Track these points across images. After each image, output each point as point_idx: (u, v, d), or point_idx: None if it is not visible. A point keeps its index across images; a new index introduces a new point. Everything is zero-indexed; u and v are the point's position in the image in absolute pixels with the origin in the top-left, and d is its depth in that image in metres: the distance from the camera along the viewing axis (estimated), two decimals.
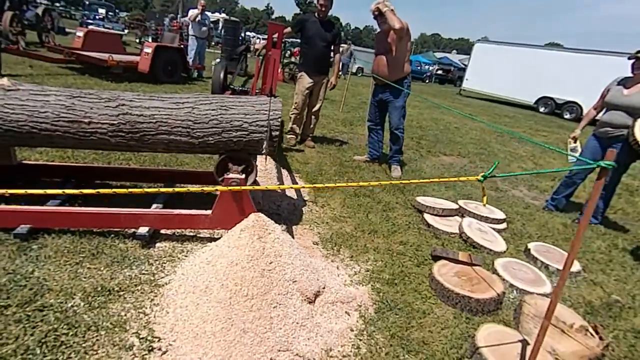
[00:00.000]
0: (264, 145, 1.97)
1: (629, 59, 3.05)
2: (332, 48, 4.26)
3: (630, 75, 3.08)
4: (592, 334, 1.80)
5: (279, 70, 11.35)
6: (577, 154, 3.40)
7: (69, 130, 1.89)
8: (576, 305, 2.16)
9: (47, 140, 1.98)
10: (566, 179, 3.52)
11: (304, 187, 2.63)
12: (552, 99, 15.00)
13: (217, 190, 1.85)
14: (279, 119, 2.02)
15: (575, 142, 3.37)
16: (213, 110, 1.96)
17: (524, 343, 1.68)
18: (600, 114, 3.34)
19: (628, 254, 2.94)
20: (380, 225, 2.74)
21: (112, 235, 2.05)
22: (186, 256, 2.02)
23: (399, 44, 3.64)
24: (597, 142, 3.28)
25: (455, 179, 1.75)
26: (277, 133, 2.01)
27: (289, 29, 4.21)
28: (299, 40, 5.05)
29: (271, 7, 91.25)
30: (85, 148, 2.17)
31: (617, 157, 3.10)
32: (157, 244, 2.09)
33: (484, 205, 2.34)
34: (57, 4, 30.55)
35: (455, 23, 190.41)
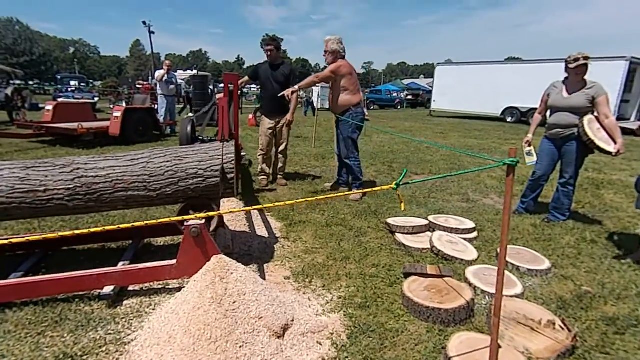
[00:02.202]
0: (220, 189, 2.03)
1: (570, 64, 3.19)
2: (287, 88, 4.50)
3: (564, 78, 3.32)
4: (560, 327, 1.84)
5: (251, 116, 11.66)
6: (533, 157, 3.58)
7: (25, 200, 1.92)
8: (548, 301, 2.20)
9: (4, 214, 2.00)
10: (531, 183, 3.65)
11: (255, 207, 2.68)
12: (516, 108, 15.98)
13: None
14: (233, 162, 2.11)
15: (529, 146, 3.55)
16: (167, 162, 2.04)
17: (496, 346, 1.69)
18: (548, 116, 3.51)
19: (596, 245, 3.03)
20: (352, 252, 2.77)
21: (77, 300, 2.03)
22: (154, 309, 1.99)
23: (334, 83, 3.95)
24: (551, 144, 3.46)
25: (373, 189, 1.83)
26: (232, 175, 2.09)
27: (246, 78, 4.45)
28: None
29: (242, 58, 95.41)
30: (44, 216, 2.18)
31: (572, 155, 3.33)
32: (125, 302, 2.06)
33: (402, 210, 2.42)
34: (31, 82, 31.32)
35: (419, 51, 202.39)
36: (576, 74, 3.21)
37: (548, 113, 3.51)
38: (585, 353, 1.76)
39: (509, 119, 16.34)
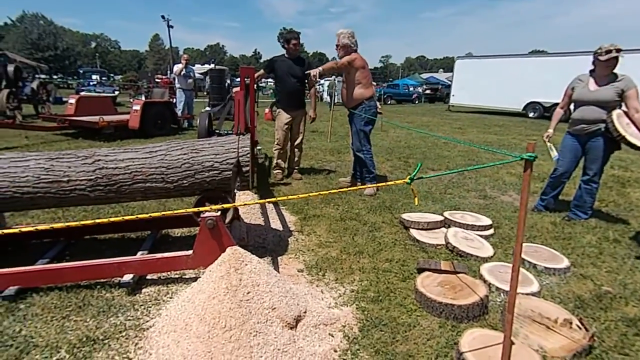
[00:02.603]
0: (236, 182, 2.06)
1: (599, 56, 3.05)
2: (305, 83, 4.49)
3: (591, 70, 3.19)
4: (577, 327, 1.80)
5: (267, 110, 11.71)
6: (554, 152, 3.47)
7: (50, 190, 2.00)
8: (565, 300, 2.15)
9: (30, 203, 2.09)
10: (552, 180, 3.54)
11: (268, 200, 2.70)
12: (539, 103, 15.47)
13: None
14: (248, 155, 2.14)
15: (549, 141, 3.45)
16: (185, 154, 2.08)
17: (509, 343, 1.67)
18: (573, 111, 3.37)
19: (619, 245, 2.92)
20: (366, 246, 2.77)
21: (99, 286, 2.11)
22: (171, 298, 2.05)
23: (347, 75, 3.92)
24: (574, 140, 3.33)
25: (387, 183, 1.81)
26: (248, 168, 2.12)
27: (261, 71, 4.47)
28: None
29: (259, 52, 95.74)
30: (67, 205, 2.27)
31: (598, 151, 3.20)
32: (144, 289, 2.13)
33: (416, 205, 2.39)
34: (55, 76, 32.39)
35: (439, 44, 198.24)
36: (606, 67, 3.07)
37: (572, 107, 3.38)
38: (603, 353, 1.72)
39: (531, 114, 15.81)
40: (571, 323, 1.80)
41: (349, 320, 1.91)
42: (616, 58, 3.01)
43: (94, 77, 19.41)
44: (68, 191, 2.01)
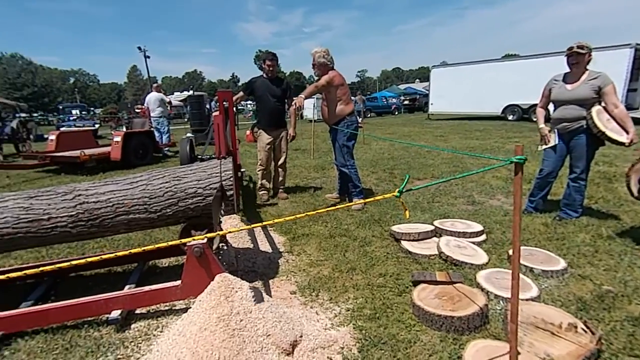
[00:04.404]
0: (220, 207, 2.02)
1: (568, 55, 3.17)
2: (285, 102, 4.52)
3: (568, 70, 3.24)
4: (583, 330, 1.75)
5: (248, 132, 11.76)
6: (557, 141, 3.35)
7: (30, 229, 1.93)
8: (567, 303, 2.11)
9: (11, 244, 2.01)
10: (539, 180, 3.55)
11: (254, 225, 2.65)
12: (517, 105, 15.81)
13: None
14: (231, 178, 2.11)
15: (549, 131, 3.39)
16: (166, 182, 2.04)
17: (516, 353, 1.63)
18: (552, 111, 3.41)
19: (614, 241, 2.90)
20: (358, 262, 2.72)
21: (86, 325, 2.02)
22: (161, 332, 1.96)
23: (327, 93, 3.96)
24: (558, 139, 3.35)
25: (375, 198, 1.79)
26: (232, 192, 2.08)
27: (240, 94, 4.48)
28: None
29: (236, 76, 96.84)
30: (49, 244, 2.18)
31: (582, 148, 3.22)
32: (133, 325, 2.04)
33: (406, 218, 2.38)
34: (35, 114, 32.03)
35: (413, 55, 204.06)
36: (571, 64, 3.17)
37: (552, 107, 3.42)
38: (612, 356, 1.67)
39: (510, 117, 16.17)
40: (576, 327, 1.75)
41: (347, 341, 1.84)
42: (578, 54, 3.09)
43: (74, 112, 19.31)
44: (49, 229, 1.93)
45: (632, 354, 1.69)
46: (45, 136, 14.02)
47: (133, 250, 1.65)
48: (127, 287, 2.24)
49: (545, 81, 3.47)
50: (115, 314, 1.98)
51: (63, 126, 15.80)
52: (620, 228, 3.19)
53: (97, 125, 17.21)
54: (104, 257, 1.64)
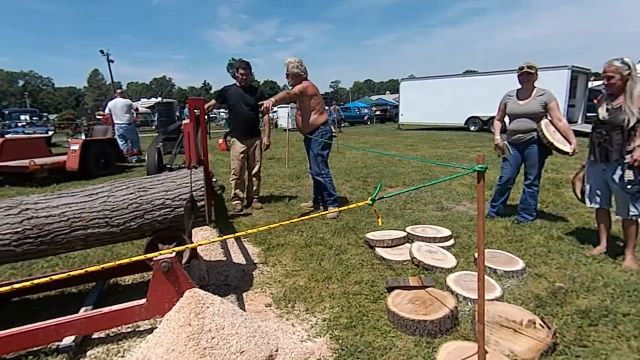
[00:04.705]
0: (190, 219, 1.93)
1: (520, 74, 3.48)
2: (259, 111, 4.47)
3: (518, 87, 3.56)
4: (540, 326, 1.86)
5: (221, 140, 11.51)
6: (511, 152, 3.61)
7: None
8: (526, 301, 2.24)
9: None
10: (499, 187, 3.79)
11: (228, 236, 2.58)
12: (478, 117, 16.89)
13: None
14: (202, 189, 2.03)
15: (502, 142, 3.63)
16: (131, 194, 1.92)
17: (483, 353, 1.68)
18: (508, 124, 3.69)
19: (563, 242, 3.15)
20: (334, 271, 2.71)
21: (31, 357, 1.82)
22: (123, 357, 1.82)
23: (302, 103, 3.97)
24: (513, 149, 3.61)
25: (349, 206, 1.81)
26: (203, 203, 2.00)
27: (213, 102, 4.39)
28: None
29: (208, 84, 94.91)
30: None
31: (534, 157, 3.49)
32: (89, 352, 1.87)
33: (380, 225, 2.44)
34: None
35: (384, 68, 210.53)
36: (522, 82, 3.50)
37: (507, 120, 3.70)
38: (566, 348, 1.79)
39: (472, 128, 17.20)
40: (535, 323, 1.86)
41: (324, 352, 1.81)
42: (528, 73, 3.42)
43: (22, 117, 17.74)
44: None
45: (581, 344, 1.82)
46: None
47: (90, 269, 1.51)
48: (82, 309, 2.07)
49: (500, 96, 3.77)
50: (68, 340, 1.80)
51: (9, 133, 14.51)
52: (567, 229, 3.46)
53: (50, 132, 16.04)
54: (54, 277, 1.49)
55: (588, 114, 14.58)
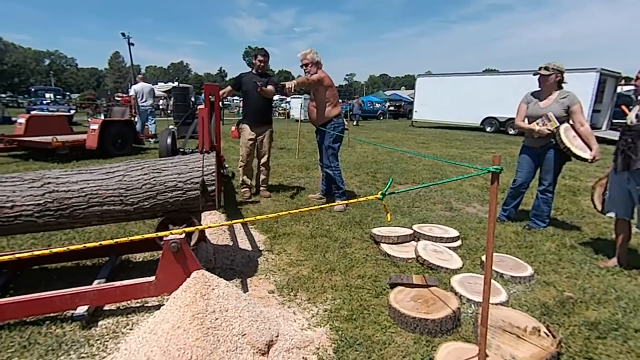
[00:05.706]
0: (200, 202, 1.97)
1: (534, 75, 3.40)
2: (271, 100, 4.49)
3: (539, 89, 3.44)
4: (545, 334, 1.84)
5: (234, 128, 11.59)
6: (557, 122, 3.28)
7: None
8: (532, 308, 2.21)
9: None
10: (512, 190, 3.70)
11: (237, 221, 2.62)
12: (495, 118, 16.39)
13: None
14: (213, 173, 2.06)
15: (546, 120, 3.33)
16: (145, 174, 1.97)
17: (484, 356, 1.68)
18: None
19: (576, 251, 3.08)
20: (337, 263, 2.73)
21: (48, 322, 1.91)
22: (131, 329, 1.90)
23: (317, 93, 3.96)
24: (530, 152, 3.53)
25: (358, 199, 1.81)
26: (213, 187, 2.04)
27: (228, 88, 4.42)
28: None
29: (224, 70, 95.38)
30: (13, 233, 2.06)
31: (550, 162, 3.37)
32: (100, 322, 1.96)
33: (388, 221, 2.43)
34: (4, 95, 30.21)
35: (400, 62, 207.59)
36: (540, 83, 3.38)
37: (526, 122, 3.60)
38: (570, 359, 1.77)
39: (488, 129, 16.74)
40: (539, 331, 1.84)
41: (323, 342, 1.84)
42: (542, 75, 3.31)
43: (47, 95, 18.22)
44: (12, 218, 1.82)
45: (587, 356, 1.80)
46: (14, 119, 13.31)
47: (104, 242, 1.58)
48: (96, 281, 2.15)
49: (520, 97, 3.65)
50: (82, 309, 1.89)
51: (34, 109, 14.95)
52: (581, 239, 3.37)
53: (72, 111, 16.43)
54: (71, 248, 1.57)
55: (614, 121, 13.87)
